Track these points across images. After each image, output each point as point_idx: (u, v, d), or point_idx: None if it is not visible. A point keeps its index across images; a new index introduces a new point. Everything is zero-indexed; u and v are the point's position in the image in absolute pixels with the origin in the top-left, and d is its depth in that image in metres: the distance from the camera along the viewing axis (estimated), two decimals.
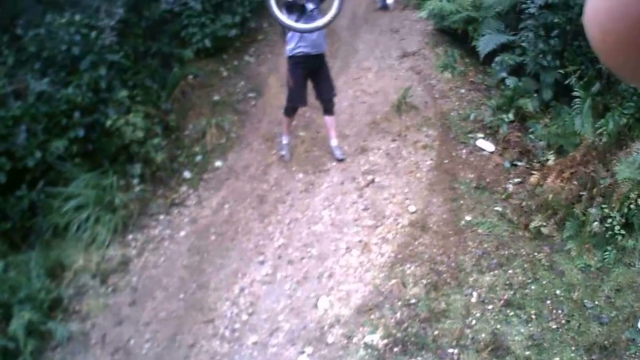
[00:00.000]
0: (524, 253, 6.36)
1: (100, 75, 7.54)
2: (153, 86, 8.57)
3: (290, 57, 7.20)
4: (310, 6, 6.86)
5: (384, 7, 11.29)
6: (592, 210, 6.29)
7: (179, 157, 8.15)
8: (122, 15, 8.26)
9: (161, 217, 7.31)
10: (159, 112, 8.39)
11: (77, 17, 7.79)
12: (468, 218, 6.86)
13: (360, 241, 6.57)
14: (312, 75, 7.37)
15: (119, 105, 7.60)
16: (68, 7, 8.07)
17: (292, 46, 7.09)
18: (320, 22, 6.20)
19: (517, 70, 8.10)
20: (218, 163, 8.09)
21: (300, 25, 6.39)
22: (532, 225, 6.64)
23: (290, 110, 7.70)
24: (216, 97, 9.21)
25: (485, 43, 8.50)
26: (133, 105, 7.76)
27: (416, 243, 6.50)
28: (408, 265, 6.19)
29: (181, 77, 9.17)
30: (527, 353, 5.19)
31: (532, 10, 7.74)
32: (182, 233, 7.05)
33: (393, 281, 6.01)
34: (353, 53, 10.32)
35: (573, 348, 5.21)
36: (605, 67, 0.88)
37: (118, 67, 7.98)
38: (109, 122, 7.32)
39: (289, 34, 7.06)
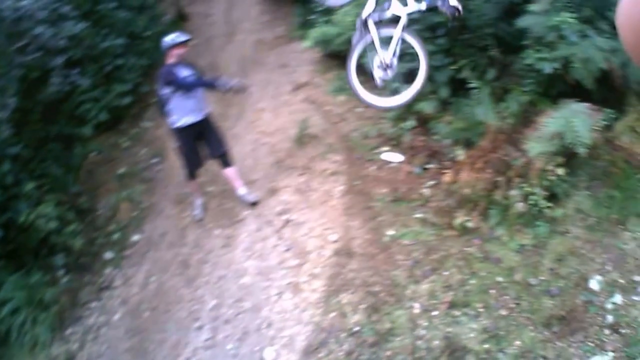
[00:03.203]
0: (455, 252, 6.18)
1: (4, 171, 7.31)
2: (59, 171, 8.32)
3: (177, 129, 7.11)
4: (185, 72, 6.95)
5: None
6: (513, 192, 6.17)
7: (97, 239, 7.88)
8: (15, 105, 7.89)
9: (93, 304, 7.03)
10: (69, 197, 8.16)
11: None
12: (391, 233, 6.67)
13: (289, 283, 6.31)
14: (200, 136, 7.30)
15: (28, 198, 7.34)
16: None
17: (177, 117, 7.01)
18: (406, 97, 5.77)
19: (410, 77, 7.97)
20: (135, 237, 7.84)
21: (382, 102, 6.01)
22: (457, 222, 6.49)
23: (191, 175, 7.58)
24: (121, 170, 9.00)
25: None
26: (42, 195, 7.54)
27: (345, 271, 6.25)
28: (343, 295, 5.95)
29: (84, 156, 9.07)
30: (486, 346, 4.99)
31: (413, 16, 7.66)
32: (117, 316, 6.77)
33: (332, 314, 5.76)
34: (247, 96, 10.15)
35: (531, 327, 5.03)
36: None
37: (21, 159, 7.75)
38: (22, 218, 7.08)
39: (170, 104, 6.96)
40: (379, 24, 5.56)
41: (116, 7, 10.32)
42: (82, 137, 9.11)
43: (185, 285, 6.78)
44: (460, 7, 5.18)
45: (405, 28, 5.36)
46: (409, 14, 5.39)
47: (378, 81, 5.54)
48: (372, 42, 5.48)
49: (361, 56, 5.64)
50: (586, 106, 5.74)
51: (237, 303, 6.26)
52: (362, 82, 5.64)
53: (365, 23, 5.59)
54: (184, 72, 6.94)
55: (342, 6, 6.49)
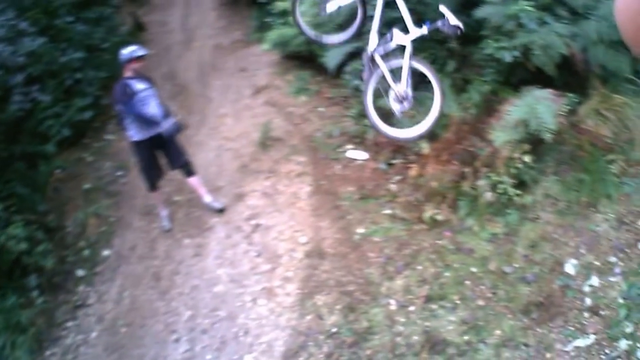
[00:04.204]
0: (426, 245, 6.18)
1: None
2: (25, 191, 8.08)
3: (135, 142, 7.09)
4: (140, 86, 6.90)
5: None
6: (481, 182, 6.20)
7: (67, 257, 7.62)
8: None
9: (69, 323, 6.78)
10: (37, 216, 7.88)
11: None
12: (361, 231, 6.66)
13: (263, 288, 6.25)
14: (158, 148, 7.26)
15: None
16: None
17: (134, 131, 6.99)
18: (426, 125, 5.73)
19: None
20: (106, 252, 7.62)
21: (404, 133, 5.92)
22: (426, 216, 6.49)
23: (152, 187, 7.52)
24: (87, 185, 8.75)
25: (332, 57, 8.31)
26: (10, 216, 7.30)
27: (318, 272, 6.22)
28: (318, 297, 5.91)
29: (49, 174, 8.77)
30: (466, 338, 4.98)
31: (371, 13, 7.66)
32: (94, 334, 6.55)
33: (308, 317, 5.72)
34: (207, 103, 10.16)
35: (509, 316, 5.03)
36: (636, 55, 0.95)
37: None
38: None
39: (127, 119, 6.93)
40: (386, 56, 5.66)
41: (73, 20, 10.21)
42: (46, 154, 8.89)
43: (159, 297, 6.65)
44: (461, 25, 5.23)
45: (412, 56, 5.42)
46: (412, 41, 5.45)
47: (397, 114, 5.58)
48: (384, 76, 5.55)
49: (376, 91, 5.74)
50: (549, 92, 5.79)
51: (212, 312, 6.17)
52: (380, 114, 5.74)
53: (372, 58, 5.70)
54: (139, 86, 6.87)
55: (340, 44, 6.59)
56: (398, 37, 5.56)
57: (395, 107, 5.49)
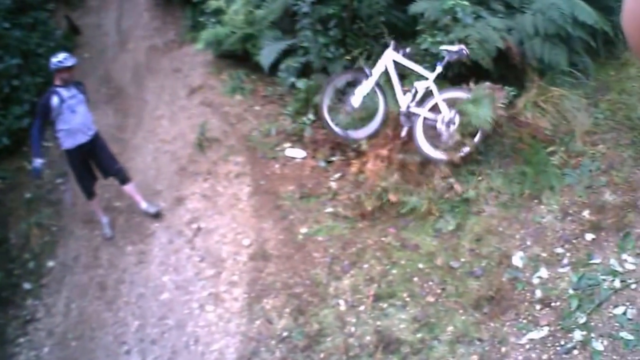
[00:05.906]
0: (371, 243, 6.15)
1: None
2: None
3: (66, 151, 7.08)
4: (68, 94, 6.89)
5: None
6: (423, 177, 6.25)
7: (14, 270, 7.41)
8: None
9: (21, 340, 6.58)
10: None
11: None
12: (304, 230, 6.60)
13: (209, 294, 6.16)
14: (89, 156, 7.22)
15: None
16: None
17: (63, 140, 7.00)
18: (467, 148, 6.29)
19: (305, 71, 8.02)
20: (50, 263, 7.41)
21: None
22: (369, 212, 6.47)
23: (90, 194, 7.42)
24: (28, 195, 8.51)
25: (266, 55, 8.32)
26: None
27: (264, 275, 6.16)
28: (265, 300, 5.84)
29: None
30: (419, 335, 4.97)
31: (305, 9, 7.66)
32: (45, 350, 6.37)
33: (258, 322, 5.65)
34: (143, 105, 9.95)
35: (461, 311, 5.04)
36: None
37: None
38: None
39: (57, 126, 6.95)
40: (420, 102, 6.45)
41: (9, 27, 9.93)
42: None
43: (106, 308, 6.50)
44: (463, 46, 6.03)
45: (440, 90, 6.29)
46: (434, 81, 6.28)
47: (445, 137, 6.24)
48: (425, 118, 6.34)
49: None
50: (487, 86, 5.87)
51: (160, 321, 6.05)
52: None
53: (407, 113, 6.52)
54: (66, 94, 6.81)
55: (365, 138, 7.08)
56: (421, 86, 6.40)
57: (444, 131, 6.23)
